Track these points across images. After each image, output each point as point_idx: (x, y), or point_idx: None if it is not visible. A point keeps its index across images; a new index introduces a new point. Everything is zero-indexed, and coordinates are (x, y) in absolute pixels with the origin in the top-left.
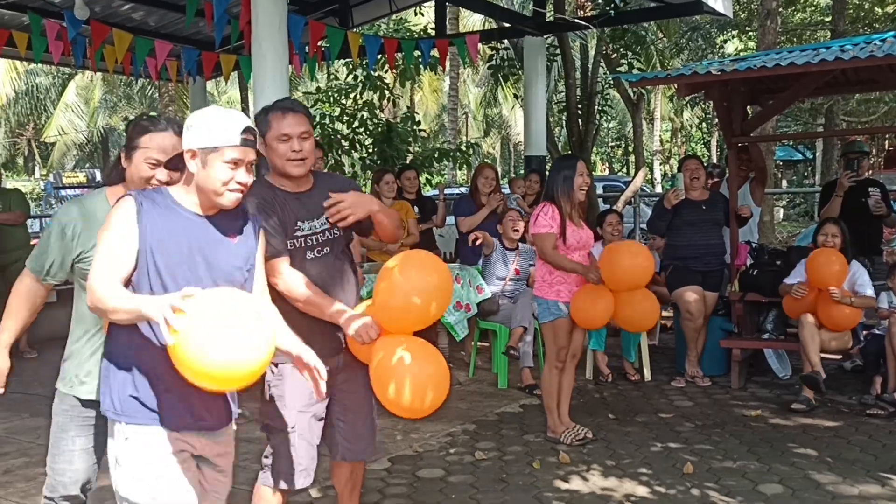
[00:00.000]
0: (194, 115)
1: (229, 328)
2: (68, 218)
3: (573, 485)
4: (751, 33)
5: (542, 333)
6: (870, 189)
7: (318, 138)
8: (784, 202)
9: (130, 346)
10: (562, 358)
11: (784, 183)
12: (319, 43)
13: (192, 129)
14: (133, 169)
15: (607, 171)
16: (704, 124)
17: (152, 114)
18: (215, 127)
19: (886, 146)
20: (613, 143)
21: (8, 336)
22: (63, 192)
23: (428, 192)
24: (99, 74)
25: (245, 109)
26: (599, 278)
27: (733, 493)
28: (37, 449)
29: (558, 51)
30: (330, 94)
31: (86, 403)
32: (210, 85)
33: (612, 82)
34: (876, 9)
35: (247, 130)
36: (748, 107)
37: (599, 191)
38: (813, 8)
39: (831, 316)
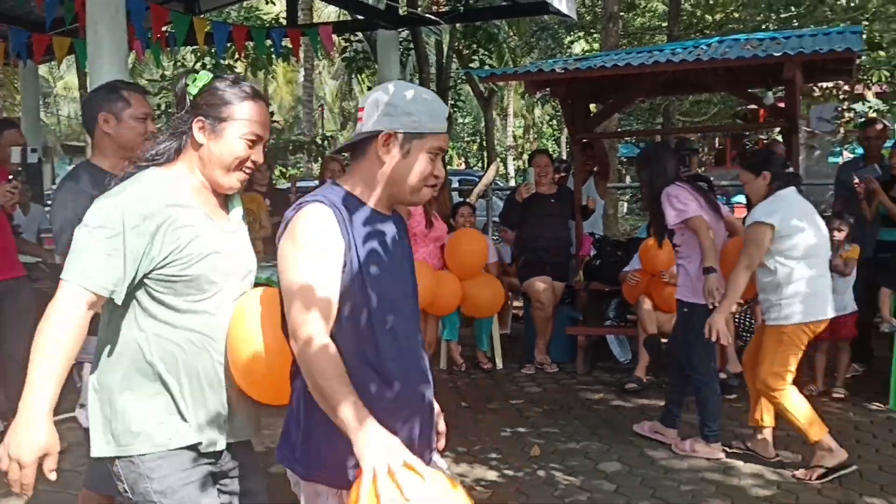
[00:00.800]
0: (392, 91)
1: None
2: (148, 207)
3: None
4: (596, 35)
5: None
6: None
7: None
8: (627, 196)
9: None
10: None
11: (627, 178)
12: (164, 28)
13: (390, 108)
14: (222, 146)
15: (463, 166)
16: (555, 121)
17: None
18: (422, 108)
19: (716, 144)
20: (469, 139)
21: (53, 393)
22: None
23: (283, 184)
24: None
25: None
26: None
27: (576, 473)
28: None
29: (412, 45)
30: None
31: (208, 455)
32: (44, 69)
33: (464, 78)
34: (706, 16)
35: (449, 116)
36: (592, 105)
37: (455, 184)
38: (651, 13)
39: (663, 297)
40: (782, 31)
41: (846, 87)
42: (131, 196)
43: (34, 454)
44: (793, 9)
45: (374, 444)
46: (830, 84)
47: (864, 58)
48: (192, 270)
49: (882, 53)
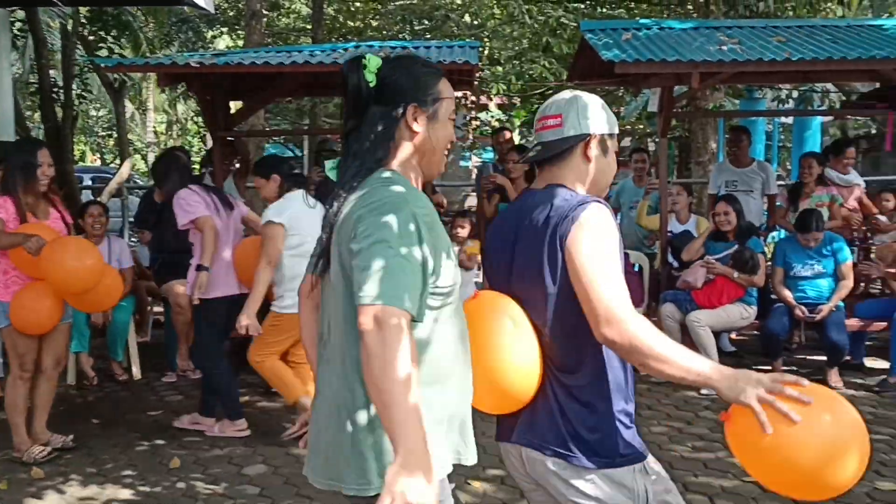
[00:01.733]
0: (577, 97)
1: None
2: (427, 214)
3: (48, 500)
4: (240, 32)
5: (4, 340)
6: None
7: None
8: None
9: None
10: (27, 367)
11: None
12: None
13: (590, 111)
14: (439, 131)
15: (99, 162)
16: (200, 118)
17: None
18: (606, 110)
19: None
20: (104, 133)
21: (425, 430)
22: None
23: None
24: None
25: None
26: (39, 249)
27: (219, 480)
28: None
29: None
30: None
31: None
32: None
33: (90, 66)
34: (348, 22)
35: None
36: (233, 102)
37: (88, 182)
38: (296, 15)
39: None
40: (414, 42)
41: (473, 98)
42: (410, 202)
43: (435, 497)
44: (425, 22)
45: (743, 380)
46: (460, 94)
47: (486, 71)
48: (452, 279)
49: (500, 69)
